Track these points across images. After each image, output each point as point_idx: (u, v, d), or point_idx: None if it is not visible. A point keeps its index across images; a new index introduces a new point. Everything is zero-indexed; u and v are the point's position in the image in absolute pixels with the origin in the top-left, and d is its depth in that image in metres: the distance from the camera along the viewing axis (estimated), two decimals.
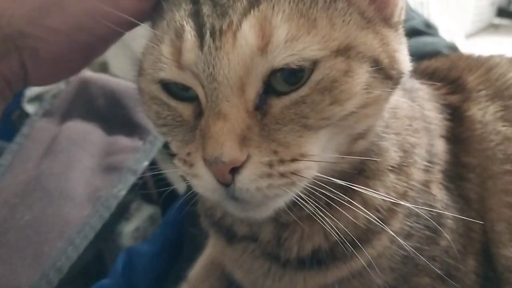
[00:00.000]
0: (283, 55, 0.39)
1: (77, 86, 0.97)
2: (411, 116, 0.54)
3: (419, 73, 0.67)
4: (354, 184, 0.44)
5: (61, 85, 1.02)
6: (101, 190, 0.83)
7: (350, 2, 0.44)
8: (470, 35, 2.53)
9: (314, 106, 0.40)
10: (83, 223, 0.78)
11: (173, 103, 0.45)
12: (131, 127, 0.92)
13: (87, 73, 1.02)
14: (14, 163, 0.87)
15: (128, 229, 0.97)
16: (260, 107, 0.41)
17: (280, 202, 0.43)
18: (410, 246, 0.50)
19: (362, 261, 0.48)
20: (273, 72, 0.40)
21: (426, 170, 0.53)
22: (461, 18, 2.44)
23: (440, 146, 0.56)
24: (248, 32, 0.39)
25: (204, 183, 0.41)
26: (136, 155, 0.87)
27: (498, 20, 2.70)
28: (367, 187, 0.48)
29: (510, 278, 0.55)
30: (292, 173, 0.40)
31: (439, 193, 0.53)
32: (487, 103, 0.61)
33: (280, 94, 0.41)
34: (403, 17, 0.49)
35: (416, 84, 0.61)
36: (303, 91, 0.40)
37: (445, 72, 0.67)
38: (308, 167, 0.41)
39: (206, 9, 0.42)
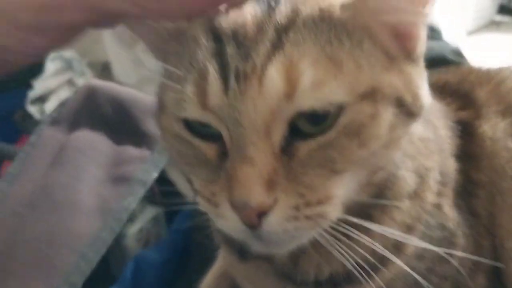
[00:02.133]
0: (309, 100, 0.39)
1: (84, 94, 0.97)
2: (425, 138, 0.54)
3: (430, 86, 0.68)
4: (367, 221, 0.45)
5: (68, 93, 1.02)
6: (111, 201, 0.83)
7: (375, 41, 0.43)
8: (471, 32, 2.53)
9: (342, 150, 0.41)
10: (95, 237, 0.78)
11: (196, 142, 0.45)
12: (139, 137, 0.91)
13: (94, 81, 1.01)
14: (21, 172, 0.87)
15: (132, 231, 0.97)
16: (287, 150, 0.41)
17: (304, 240, 0.44)
18: (422, 267, 0.51)
19: (379, 284, 0.49)
20: (299, 115, 0.40)
21: (439, 192, 0.53)
22: (462, 15, 2.44)
23: (452, 165, 0.56)
24: (274, 77, 0.39)
25: (230, 224, 0.42)
26: (145, 166, 0.87)
27: (499, 17, 2.70)
28: (384, 215, 0.49)
29: None
30: (318, 215, 0.41)
31: (450, 212, 0.54)
32: (497, 119, 0.61)
33: (306, 136, 0.41)
34: (424, 48, 0.48)
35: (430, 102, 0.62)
36: (330, 135, 0.40)
37: (456, 86, 0.67)
38: (333, 209, 0.42)
39: (230, 50, 0.41)
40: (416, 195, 0.51)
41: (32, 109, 1.64)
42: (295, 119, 0.40)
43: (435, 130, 0.57)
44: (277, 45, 0.40)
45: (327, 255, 0.48)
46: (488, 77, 0.67)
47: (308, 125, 0.40)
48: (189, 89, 0.42)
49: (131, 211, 0.83)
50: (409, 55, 0.46)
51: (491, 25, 2.68)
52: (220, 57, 0.41)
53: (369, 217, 0.48)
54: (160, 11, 0.45)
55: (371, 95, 0.41)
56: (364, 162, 0.42)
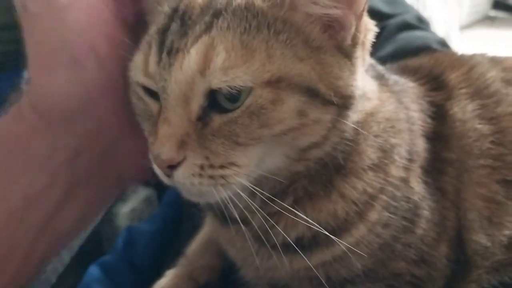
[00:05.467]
0: (217, 80, 0.45)
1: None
2: (394, 118, 0.58)
3: (401, 70, 0.72)
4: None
5: None
6: None
7: (297, 32, 0.48)
8: (466, 27, 2.55)
9: (244, 127, 0.47)
10: None
11: (146, 98, 0.52)
12: None
13: None
14: None
15: (124, 210, 1.01)
16: (203, 119, 0.47)
17: (216, 197, 0.50)
18: (387, 234, 0.56)
19: (342, 248, 0.54)
20: (213, 92, 0.46)
21: (406, 167, 0.57)
22: (457, 10, 2.45)
23: (421, 145, 0.60)
24: (193, 55, 0.46)
25: (156, 170, 0.50)
26: None
27: (494, 13, 2.71)
28: (345, 183, 0.54)
29: (477, 261, 0.61)
30: (220, 176, 0.48)
31: (417, 186, 0.58)
32: (466, 101, 0.65)
33: (225, 110, 0.47)
34: (367, 37, 0.53)
35: (405, 85, 0.66)
36: (236, 113, 0.46)
37: (429, 69, 0.71)
38: (235, 174, 0.48)
39: (173, 27, 0.49)
40: (379, 168, 0.56)
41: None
42: (214, 94, 0.46)
43: (407, 112, 0.61)
44: (208, 28, 0.47)
45: (292, 220, 0.53)
46: (461, 61, 0.71)
47: (226, 101, 0.47)
48: (139, 58, 0.50)
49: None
50: (339, 46, 0.50)
51: (486, 20, 2.69)
52: (164, 33, 0.49)
53: (331, 183, 0.54)
54: None
55: (275, 83, 0.46)
56: (272, 140, 0.48)
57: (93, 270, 0.82)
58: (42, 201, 0.56)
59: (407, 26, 1.22)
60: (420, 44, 1.16)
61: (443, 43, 1.19)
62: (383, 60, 1.25)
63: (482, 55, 0.74)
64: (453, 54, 0.75)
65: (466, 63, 0.70)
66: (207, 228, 0.75)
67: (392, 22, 1.23)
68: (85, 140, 0.57)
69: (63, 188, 0.57)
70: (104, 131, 0.58)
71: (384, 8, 1.26)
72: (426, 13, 2.25)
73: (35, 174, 0.56)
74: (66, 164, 0.57)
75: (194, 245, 0.75)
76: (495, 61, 0.71)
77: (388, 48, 1.20)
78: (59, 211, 0.58)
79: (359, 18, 0.50)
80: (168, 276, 0.72)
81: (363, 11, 0.50)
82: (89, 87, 0.54)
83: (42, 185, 0.56)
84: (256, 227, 0.54)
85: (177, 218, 0.89)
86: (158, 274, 0.73)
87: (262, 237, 0.54)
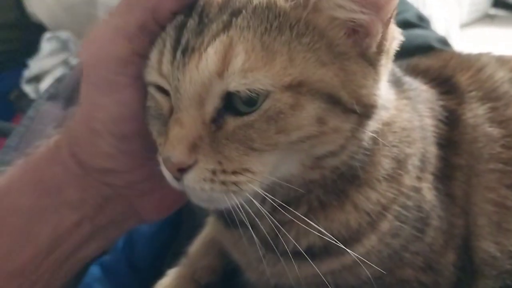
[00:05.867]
0: (236, 82, 0.43)
1: (80, 71, 0.99)
2: (410, 127, 0.57)
3: (411, 71, 0.70)
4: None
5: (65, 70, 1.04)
6: None
7: (321, 35, 0.45)
8: (466, 25, 2.55)
9: (260, 132, 0.45)
10: None
11: (157, 95, 0.50)
12: None
13: None
14: (21, 145, 0.90)
15: None
16: (217, 121, 0.45)
17: (227, 204, 0.48)
18: (396, 243, 0.55)
19: (353, 257, 0.52)
20: (230, 94, 0.44)
21: (418, 176, 0.56)
22: (457, 8, 2.45)
23: (433, 152, 0.59)
24: (211, 55, 0.43)
25: (165, 173, 0.48)
26: None
27: (494, 11, 2.71)
28: (359, 194, 0.53)
29: (485, 271, 0.60)
30: (233, 183, 0.46)
31: (428, 194, 0.57)
32: (477, 104, 0.64)
33: (240, 114, 0.45)
34: (392, 45, 0.50)
35: (418, 89, 0.64)
36: (253, 116, 0.44)
37: (438, 71, 0.69)
38: (248, 181, 0.46)
39: (190, 24, 0.46)
40: (393, 179, 0.54)
41: (28, 89, 1.66)
42: (231, 97, 0.44)
43: (421, 119, 0.60)
44: (226, 27, 0.44)
45: (304, 229, 0.51)
46: (469, 63, 0.69)
47: (242, 104, 0.45)
48: (154, 56, 0.48)
49: None
50: (363, 53, 0.48)
51: (486, 19, 2.69)
52: (180, 30, 0.46)
53: (345, 193, 0.53)
54: None
55: (296, 87, 0.44)
56: (288, 147, 0.46)
57: (94, 270, 0.81)
58: (69, 239, 0.56)
59: (407, 25, 1.22)
60: (420, 42, 1.15)
61: (444, 42, 1.19)
62: None
63: (488, 55, 0.73)
64: (460, 55, 0.74)
65: (474, 64, 0.69)
66: (210, 228, 0.74)
67: None
68: (117, 190, 0.57)
69: (90, 228, 0.57)
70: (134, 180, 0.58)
71: None
72: (426, 12, 2.24)
73: (65, 213, 0.55)
74: (95, 208, 0.57)
75: (196, 245, 0.74)
76: (502, 61, 0.70)
77: None
78: (83, 247, 0.58)
79: (386, 25, 0.47)
80: (170, 275, 0.71)
81: (390, 17, 0.47)
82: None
83: (71, 224, 0.56)
84: (264, 232, 0.53)
85: (176, 219, 0.88)
86: (158, 274, 0.72)
87: (271, 242, 0.53)
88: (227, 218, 0.57)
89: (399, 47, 1.37)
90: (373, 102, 0.48)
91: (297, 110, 0.44)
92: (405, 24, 1.20)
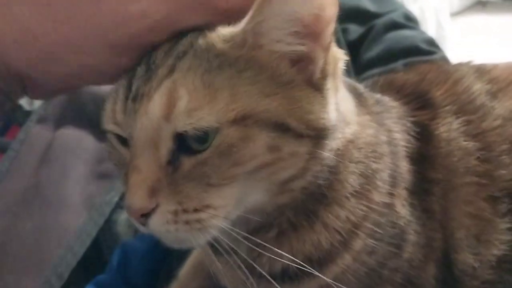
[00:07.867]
0: (182, 123, 0.44)
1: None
2: (375, 142, 0.58)
3: (387, 86, 0.71)
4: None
5: None
6: (95, 197, 0.88)
7: (262, 69, 0.47)
8: (457, 13, 2.53)
9: (215, 168, 0.46)
10: (81, 231, 0.83)
11: (119, 147, 0.52)
12: None
13: None
14: (11, 169, 0.91)
15: (123, 218, 1.01)
16: (173, 163, 0.46)
17: (196, 242, 0.49)
18: (373, 261, 0.56)
19: (329, 277, 0.54)
20: (180, 135, 0.45)
21: (390, 192, 0.57)
22: None
23: (405, 167, 0.60)
24: (157, 100, 0.45)
25: (131, 219, 0.48)
26: None
27: None
28: (328, 213, 0.54)
29: (465, 281, 0.61)
30: (196, 221, 0.47)
31: (402, 210, 0.58)
32: (451, 118, 0.64)
33: (194, 152, 0.46)
34: (338, 66, 0.52)
35: (386, 105, 0.65)
36: (206, 154, 0.45)
37: (414, 86, 0.70)
38: (211, 217, 0.47)
39: (138, 71, 0.48)
40: (361, 195, 0.55)
41: (22, 100, 1.66)
42: (182, 136, 0.46)
43: (389, 134, 0.61)
44: (171, 71, 0.46)
45: (277, 251, 0.53)
46: (447, 75, 0.69)
47: (195, 143, 0.46)
48: (108, 106, 0.50)
49: (113, 205, 0.88)
50: (309, 79, 0.49)
51: (477, 6, 2.66)
52: (131, 78, 0.48)
53: (314, 213, 0.54)
54: None
55: (241, 120, 0.45)
56: (247, 177, 0.47)
57: None
58: None
59: (394, 25, 1.21)
60: (407, 44, 1.15)
61: (431, 43, 1.19)
62: (371, 62, 1.25)
63: (468, 65, 0.72)
64: (438, 67, 0.74)
65: (451, 77, 0.69)
66: (199, 252, 0.75)
67: (380, 22, 1.22)
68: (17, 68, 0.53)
69: None
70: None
71: (371, 7, 1.25)
72: (417, 3, 2.24)
73: None
74: None
75: (186, 268, 0.76)
76: (481, 72, 0.70)
77: (376, 49, 1.19)
78: None
79: (326, 49, 0.49)
80: None
81: (330, 42, 0.49)
82: None
83: None
84: (244, 256, 0.54)
85: None
86: None
87: (253, 265, 0.54)
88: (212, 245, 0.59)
89: (386, 50, 1.37)
90: (322, 126, 0.49)
91: (247, 142, 0.45)
92: (392, 25, 1.20)
